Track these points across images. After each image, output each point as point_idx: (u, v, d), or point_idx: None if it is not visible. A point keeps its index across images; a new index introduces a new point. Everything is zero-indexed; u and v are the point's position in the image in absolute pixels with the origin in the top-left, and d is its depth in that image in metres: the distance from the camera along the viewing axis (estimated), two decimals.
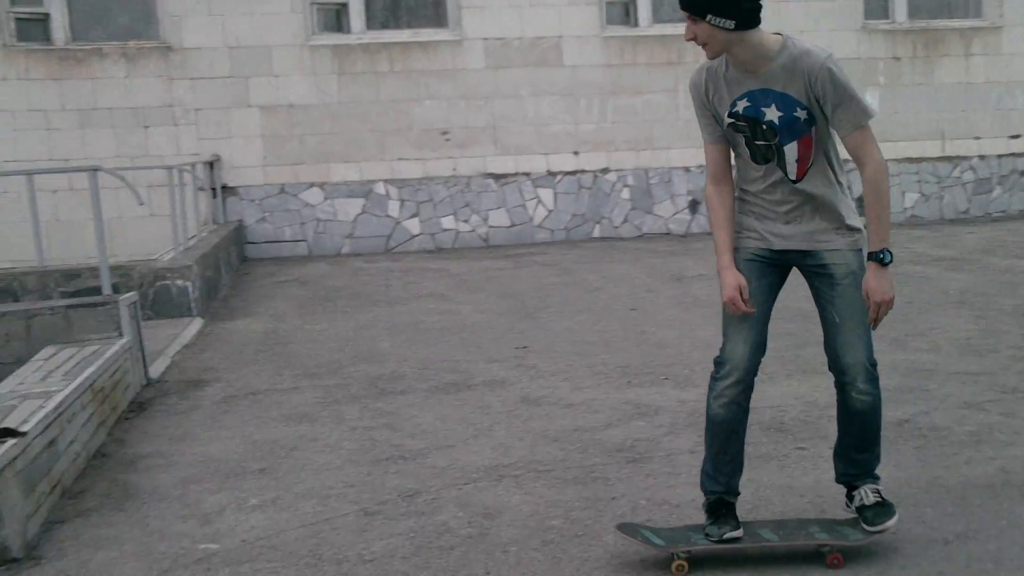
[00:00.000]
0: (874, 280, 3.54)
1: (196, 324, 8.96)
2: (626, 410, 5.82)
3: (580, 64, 14.07)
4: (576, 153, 14.12)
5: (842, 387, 3.74)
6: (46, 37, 13.10)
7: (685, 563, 3.66)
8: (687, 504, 4.31)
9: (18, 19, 12.99)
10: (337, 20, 13.83)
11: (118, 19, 13.37)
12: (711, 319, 8.23)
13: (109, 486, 4.99)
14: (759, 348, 3.74)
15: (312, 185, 13.66)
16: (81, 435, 5.27)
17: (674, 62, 14.17)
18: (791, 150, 3.60)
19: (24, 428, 4.43)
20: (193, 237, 11.29)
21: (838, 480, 3.94)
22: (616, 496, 4.47)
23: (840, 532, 3.77)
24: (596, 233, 14.24)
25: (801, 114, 3.54)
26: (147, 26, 13.38)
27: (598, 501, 4.42)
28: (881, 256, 3.52)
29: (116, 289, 7.95)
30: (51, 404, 4.90)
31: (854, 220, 3.70)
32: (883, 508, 3.76)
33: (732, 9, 3.40)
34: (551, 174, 14.10)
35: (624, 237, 14.14)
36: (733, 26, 3.42)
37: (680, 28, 13.99)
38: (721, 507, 3.81)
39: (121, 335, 6.77)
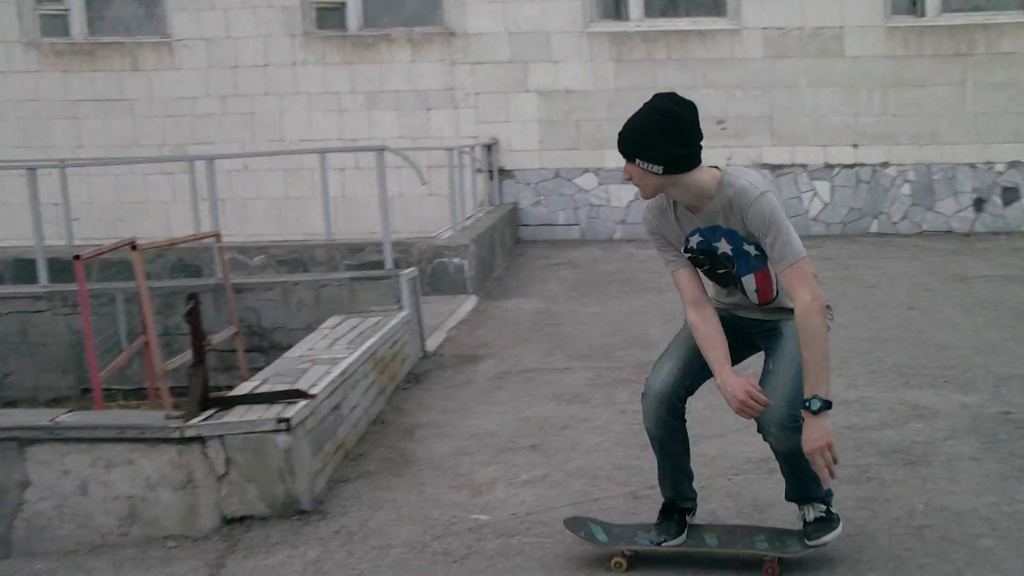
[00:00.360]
0: (804, 430, 3.39)
1: (471, 301, 9.23)
2: (902, 411, 5.61)
3: (861, 55, 13.57)
4: (855, 146, 13.65)
5: (759, 430, 3.63)
6: (341, 24, 13.79)
7: (624, 561, 3.77)
8: (969, 513, 4.12)
9: (319, 8, 13.74)
10: (615, 7, 13.88)
11: (406, 6, 13.89)
12: (996, 322, 7.85)
13: (387, 452, 5.22)
14: (685, 375, 3.72)
15: (586, 170, 13.78)
16: (363, 401, 5.54)
17: (963, 53, 13.47)
18: (749, 281, 3.62)
19: (313, 391, 4.70)
20: (470, 217, 11.63)
21: (786, 497, 3.86)
22: (891, 498, 4.33)
23: (782, 543, 3.76)
24: (873, 228, 13.73)
25: (750, 249, 3.53)
26: (432, 12, 13.84)
27: (872, 502, 4.30)
28: (807, 404, 3.36)
29: (396, 264, 8.31)
30: (337, 370, 5.18)
31: None
32: (824, 523, 3.70)
33: (658, 155, 3.40)
34: (828, 166, 13.69)
35: (903, 233, 13.57)
36: (661, 171, 3.40)
37: (972, 18, 13.34)
38: (671, 510, 3.89)
39: (401, 308, 7.06)
